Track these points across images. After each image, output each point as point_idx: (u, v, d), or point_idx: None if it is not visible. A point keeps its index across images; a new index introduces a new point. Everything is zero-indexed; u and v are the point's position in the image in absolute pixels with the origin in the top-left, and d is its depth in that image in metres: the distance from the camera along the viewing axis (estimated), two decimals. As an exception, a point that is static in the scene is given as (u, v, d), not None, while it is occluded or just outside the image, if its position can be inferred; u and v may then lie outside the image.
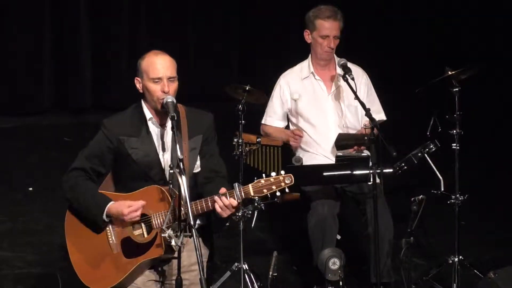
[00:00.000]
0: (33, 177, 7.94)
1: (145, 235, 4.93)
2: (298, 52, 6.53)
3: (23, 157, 8.41)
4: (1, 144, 8.71)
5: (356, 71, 6.29)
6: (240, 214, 5.89)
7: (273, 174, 4.89)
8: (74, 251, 5.01)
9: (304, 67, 6.36)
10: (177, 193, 4.75)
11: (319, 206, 5.97)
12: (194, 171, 5.06)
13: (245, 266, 5.89)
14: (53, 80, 9.63)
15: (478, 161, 8.19)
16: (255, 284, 5.90)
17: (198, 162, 5.08)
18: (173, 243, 4.70)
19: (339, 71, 6.14)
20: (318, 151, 6.25)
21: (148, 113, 5.01)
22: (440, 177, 5.80)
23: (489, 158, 8.60)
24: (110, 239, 4.97)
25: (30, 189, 7.76)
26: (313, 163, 6.13)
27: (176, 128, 4.76)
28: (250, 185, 4.86)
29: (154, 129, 5.02)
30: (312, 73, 6.30)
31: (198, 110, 5.14)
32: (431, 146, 5.83)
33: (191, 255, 4.93)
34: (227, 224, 5.80)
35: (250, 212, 5.91)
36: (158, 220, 4.88)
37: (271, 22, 10.37)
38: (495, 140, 9.00)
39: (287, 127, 6.40)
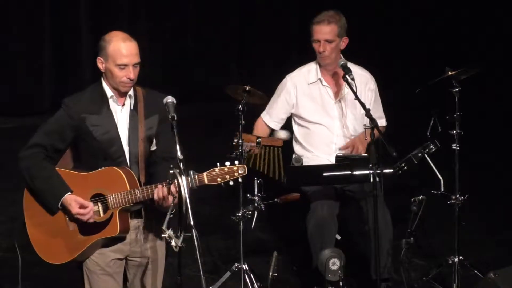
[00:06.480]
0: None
1: (101, 214, 4.99)
2: (298, 52, 6.53)
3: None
4: (1, 144, 8.69)
5: (364, 75, 6.28)
6: (240, 214, 5.90)
7: (227, 163, 4.92)
8: (32, 225, 5.10)
9: (311, 71, 6.31)
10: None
11: (318, 207, 5.96)
12: (151, 149, 5.12)
13: (245, 267, 5.90)
14: (53, 80, 9.63)
15: (478, 161, 8.19)
16: (255, 284, 5.90)
17: (155, 141, 5.13)
18: (173, 243, 4.69)
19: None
20: (321, 154, 6.24)
21: (109, 92, 5.05)
22: (440, 178, 5.80)
23: (489, 158, 8.60)
24: (67, 216, 5.03)
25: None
26: (315, 163, 6.13)
27: (175, 127, 4.76)
28: (204, 173, 4.90)
29: (114, 107, 5.06)
30: (319, 79, 6.28)
31: (156, 92, 5.18)
32: (431, 147, 5.83)
33: (141, 237, 5.08)
34: None
35: (250, 212, 5.92)
36: (115, 201, 4.95)
37: (271, 22, 10.36)
38: (495, 140, 9.00)
39: (290, 128, 6.38)
